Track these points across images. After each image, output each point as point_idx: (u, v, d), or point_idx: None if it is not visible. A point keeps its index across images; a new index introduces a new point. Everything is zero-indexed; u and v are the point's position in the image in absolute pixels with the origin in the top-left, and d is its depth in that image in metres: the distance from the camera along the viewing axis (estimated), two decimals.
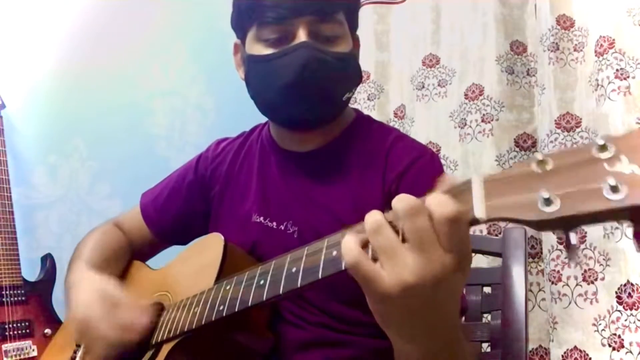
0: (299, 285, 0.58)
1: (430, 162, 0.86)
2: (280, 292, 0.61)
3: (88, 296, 0.82)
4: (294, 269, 0.60)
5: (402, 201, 0.47)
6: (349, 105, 0.98)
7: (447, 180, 0.49)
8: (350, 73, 0.88)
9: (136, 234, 1.04)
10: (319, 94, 0.83)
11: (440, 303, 0.49)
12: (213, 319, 0.70)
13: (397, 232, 0.48)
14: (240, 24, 0.89)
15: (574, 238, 0.41)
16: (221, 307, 0.70)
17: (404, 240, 0.47)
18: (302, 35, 0.81)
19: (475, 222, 0.45)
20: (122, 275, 1.00)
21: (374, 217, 0.48)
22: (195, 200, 1.00)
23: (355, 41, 0.93)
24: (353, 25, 0.90)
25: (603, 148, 0.40)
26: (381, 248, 0.47)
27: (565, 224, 0.40)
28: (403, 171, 0.84)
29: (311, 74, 0.80)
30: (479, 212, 0.44)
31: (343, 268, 0.53)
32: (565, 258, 1.40)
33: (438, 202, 0.46)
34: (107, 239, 1.01)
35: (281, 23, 0.81)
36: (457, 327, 0.56)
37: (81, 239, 1.03)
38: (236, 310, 0.67)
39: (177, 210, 1.01)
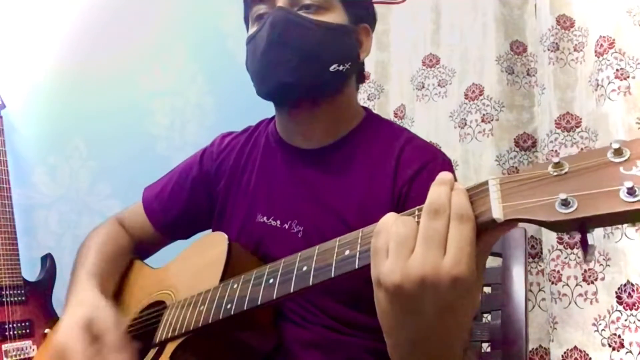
0: (310, 284, 0.58)
1: (442, 166, 0.84)
2: (292, 290, 0.61)
3: (72, 321, 0.79)
4: (304, 268, 0.60)
5: (433, 195, 0.47)
6: (359, 102, 0.97)
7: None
8: (335, 44, 0.86)
9: (139, 230, 1.03)
10: (295, 55, 0.83)
11: (427, 312, 0.47)
12: (220, 317, 0.70)
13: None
14: (245, 13, 0.93)
15: (591, 239, 0.42)
16: (229, 306, 0.69)
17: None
18: (280, 2, 0.84)
19: (493, 223, 0.45)
20: (123, 275, 0.99)
21: (408, 213, 0.50)
22: (200, 195, 0.99)
23: (362, 29, 0.92)
24: (350, 6, 0.89)
25: (618, 152, 0.41)
26: (397, 237, 0.48)
27: (581, 225, 0.41)
28: (414, 175, 0.82)
29: (281, 34, 0.83)
30: (497, 213, 0.45)
31: (357, 267, 0.53)
32: (566, 258, 1.41)
33: (458, 201, 0.46)
34: (109, 240, 1.00)
35: None
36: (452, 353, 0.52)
37: (83, 241, 1.02)
38: (245, 308, 0.67)
39: (181, 206, 1.00)
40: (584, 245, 0.42)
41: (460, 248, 0.45)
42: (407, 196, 0.82)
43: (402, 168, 0.84)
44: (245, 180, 0.95)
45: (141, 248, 1.04)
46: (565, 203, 0.41)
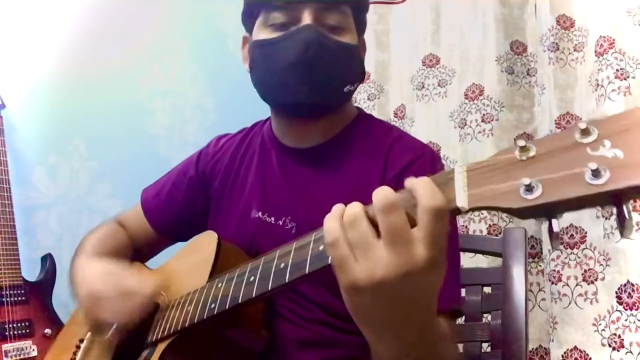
0: (287, 280, 0.58)
1: (431, 162, 0.86)
2: (269, 287, 0.61)
3: (92, 275, 0.84)
4: (282, 265, 0.60)
5: (378, 194, 0.47)
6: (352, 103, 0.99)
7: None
8: (352, 66, 0.89)
9: (138, 231, 1.04)
10: (320, 78, 0.84)
11: (410, 299, 0.49)
12: (205, 317, 0.70)
13: (376, 225, 0.48)
14: (249, 12, 0.92)
15: (556, 225, 0.40)
16: (212, 305, 0.70)
17: (379, 234, 0.47)
18: (307, 19, 0.84)
19: (457, 211, 0.45)
20: None
21: (351, 209, 0.49)
22: (196, 196, 1.00)
23: (362, 42, 0.95)
24: (359, 23, 0.92)
25: (585, 132, 0.39)
26: (355, 241, 0.48)
27: (547, 211, 0.40)
28: (402, 170, 0.83)
29: (313, 55, 0.82)
30: (461, 201, 0.44)
31: (329, 262, 0.53)
32: (566, 258, 1.40)
33: (428, 193, 0.46)
34: (109, 237, 1.01)
35: (288, 8, 0.84)
36: (431, 328, 0.55)
37: (83, 237, 1.02)
38: (227, 307, 0.67)
39: (179, 207, 1.01)
40: (551, 232, 0.40)
41: (429, 233, 0.46)
42: (396, 191, 0.82)
43: (391, 164, 0.85)
44: (241, 179, 0.96)
45: (141, 250, 1.05)
46: (529, 188, 0.39)
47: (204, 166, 1.01)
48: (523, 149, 0.42)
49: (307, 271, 0.56)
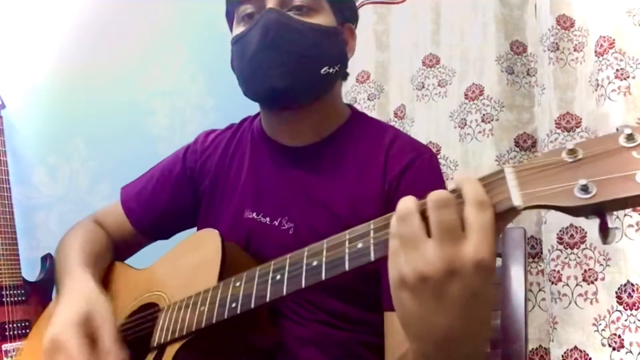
0: (323, 277, 0.58)
1: (429, 162, 0.86)
2: (303, 285, 0.60)
3: (68, 316, 0.75)
4: (314, 263, 0.59)
5: (434, 193, 0.48)
6: (344, 100, 0.98)
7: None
8: (326, 47, 0.86)
9: (117, 230, 1.01)
10: (288, 60, 0.82)
11: (454, 304, 0.47)
12: (225, 316, 0.68)
13: (426, 222, 0.49)
14: (227, 13, 0.92)
15: (611, 221, 0.43)
16: (234, 305, 0.68)
17: (429, 232, 0.48)
18: (270, 3, 0.84)
19: (513, 210, 0.46)
20: (104, 277, 0.94)
21: (405, 203, 0.50)
22: (184, 194, 0.98)
23: (347, 29, 0.93)
24: (337, 7, 0.90)
25: (630, 137, 0.43)
26: (403, 236, 0.49)
27: (600, 210, 0.43)
28: (403, 170, 0.84)
29: (274, 37, 0.82)
30: (517, 200, 0.46)
31: (372, 259, 0.54)
32: (566, 258, 1.40)
33: (474, 191, 0.47)
34: (90, 238, 0.97)
35: None
36: (474, 343, 0.51)
37: (60, 242, 0.97)
38: (252, 306, 0.66)
39: (163, 205, 0.99)
40: (604, 229, 0.44)
41: (483, 233, 0.46)
42: (397, 190, 0.83)
43: (392, 163, 0.85)
44: (232, 177, 0.94)
45: (120, 249, 1.01)
46: (584, 188, 0.43)
47: (193, 163, 0.99)
48: (571, 151, 0.45)
49: (347, 268, 0.56)
